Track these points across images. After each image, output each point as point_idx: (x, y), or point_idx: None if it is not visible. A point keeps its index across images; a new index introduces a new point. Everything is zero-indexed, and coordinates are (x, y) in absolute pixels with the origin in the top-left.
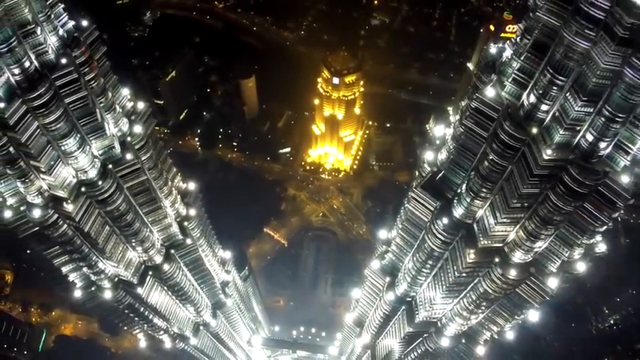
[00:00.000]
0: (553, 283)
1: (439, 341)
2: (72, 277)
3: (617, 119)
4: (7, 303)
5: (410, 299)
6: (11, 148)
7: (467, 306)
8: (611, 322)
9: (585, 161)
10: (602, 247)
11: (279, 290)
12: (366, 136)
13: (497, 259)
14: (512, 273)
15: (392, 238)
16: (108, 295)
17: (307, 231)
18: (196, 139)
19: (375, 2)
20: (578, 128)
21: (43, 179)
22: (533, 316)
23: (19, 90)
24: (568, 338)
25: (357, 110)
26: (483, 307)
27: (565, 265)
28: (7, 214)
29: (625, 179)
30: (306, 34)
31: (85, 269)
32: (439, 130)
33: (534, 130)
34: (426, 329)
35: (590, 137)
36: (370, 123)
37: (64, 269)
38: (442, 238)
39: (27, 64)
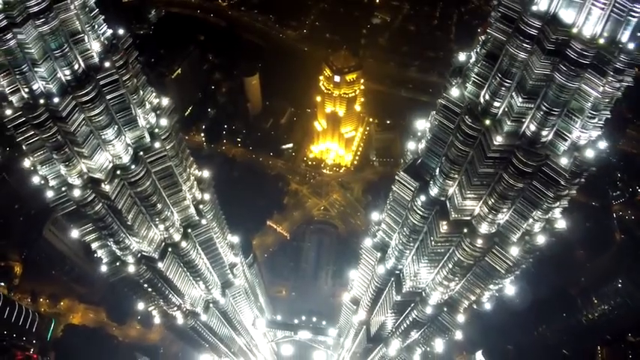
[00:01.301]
0: (515, 251)
1: (424, 309)
2: (100, 252)
3: (553, 112)
4: (17, 294)
5: (398, 272)
6: (59, 137)
7: (445, 275)
8: (601, 312)
9: (530, 146)
10: (562, 224)
11: (282, 281)
12: (366, 132)
13: (466, 230)
14: (479, 242)
15: (382, 219)
16: (131, 269)
17: (309, 224)
18: (201, 134)
19: (377, 1)
20: (522, 120)
21: (84, 163)
22: (510, 289)
23: (69, 88)
24: (560, 328)
25: (357, 107)
26: (459, 275)
27: (527, 237)
28: (50, 194)
29: (564, 161)
30: (308, 33)
31: (112, 245)
32: (420, 124)
33: (488, 122)
34: (413, 299)
35: (533, 127)
36: (371, 120)
37: (94, 245)
38: (421, 213)
39: (76, 66)
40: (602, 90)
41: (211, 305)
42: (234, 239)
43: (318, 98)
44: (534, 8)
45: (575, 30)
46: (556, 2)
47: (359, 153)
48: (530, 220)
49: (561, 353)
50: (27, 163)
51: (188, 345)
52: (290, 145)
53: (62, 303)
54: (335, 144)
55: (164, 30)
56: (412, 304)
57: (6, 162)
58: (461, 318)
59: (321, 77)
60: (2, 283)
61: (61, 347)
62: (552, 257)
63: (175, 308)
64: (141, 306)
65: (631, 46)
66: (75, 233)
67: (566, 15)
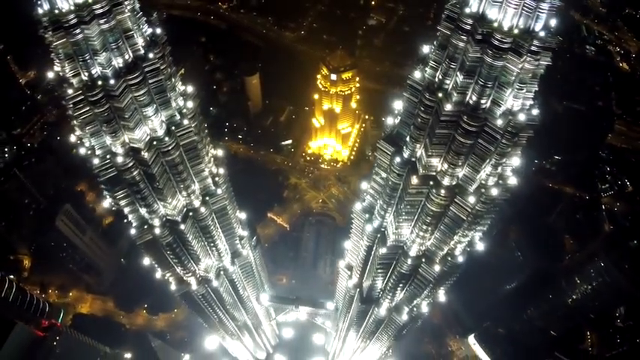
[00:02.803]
0: (472, 200)
1: (406, 261)
2: (130, 217)
3: (487, 85)
4: (27, 285)
5: (383, 229)
6: (110, 112)
7: (420, 226)
8: (583, 292)
9: (473, 112)
10: (513, 180)
11: (282, 270)
12: (362, 129)
13: (432, 183)
14: (443, 192)
15: (369, 186)
16: (157, 231)
17: (308, 216)
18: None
19: (373, 3)
20: (465, 92)
21: (127, 135)
22: (480, 245)
23: (121, 72)
24: (547, 310)
25: (353, 104)
26: (432, 226)
27: (482, 190)
28: (95, 161)
29: (499, 122)
30: (306, 34)
31: (142, 210)
32: (398, 105)
33: (440, 95)
34: (396, 252)
35: (474, 97)
36: (367, 117)
37: (126, 210)
38: (397, 172)
39: (127, 56)
40: (521, 67)
41: (222, 272)
42: (242, 215)
43: (316, 96)
44: (467, 10)
45: (496, 24)
46: (482, 5)
47: (355, 148)
48: (483, 174)
49: (549, 334)
50: (73, 138)
51: (197, 315)
52: (289, 142)
53: (71, 293)
54: (332, 140)
55: (166, 32)
56: (396, 258)
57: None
58: (437, 268)
59: (319, 76)
60: (12, 276)
61: None
62: (540, 245)
63: (190, 274)
64: (159, 274)
65: (542, 34)
66: (106, 203)
67: (490, 13)
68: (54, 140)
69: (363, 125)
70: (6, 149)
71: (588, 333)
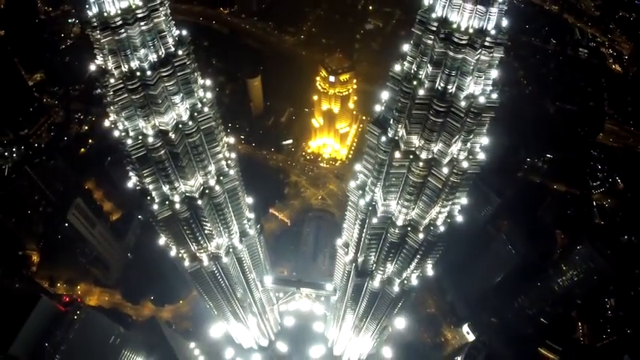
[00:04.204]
0: (445, 171)
1: (395, 230)
2: (154, 193)
3: (451, 74)
4: (36, 279)
5: (374, 203)
6: (144, 99)
7: (405, 197)
8: (569, 278)
9: (441, 96)
10: (481, 156)
11: (284, 262)
12: (360, 128)
13: (412, 157)
14: (421, 164)
15: (361, 166)
16: (177, 206)
17: (308, 212)
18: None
19: (370, 8)
20: (435, 80)
21: (157, 119)
22: (459, 218)
23: (156, 65)
24: (536, 298)
25: (350, 105)
26: (414, 196)
27: (454, 163)
28: (129, 141)
29: (463, 104)
30: (305, 38)
31: (164, 187)
32: (384, 95)
33: (415, 83)
34: (385, 222)
35: (442, 84)
36: (364, 117)
37: (151, 186)
38: (383, 149)
39: (160, 52)
40: (477, 59)
41: (231, 250)
42: (249, 200)
43: (315, 97)
44: (433, 15)
45: (455, 25)
46: (445, 10)
47: (353, 147)
48: (455, 149)
49: (540, 322)
50: (106, 123)
51: (205, 295)
52: (290, 141)
53: (79, 287)
54: (331, 139)
55: None
56: (385, 228)
57: (28, 155)
58: (421, 236)
59: (318, 78)
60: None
61: None
62: (532, 239)
63: (202, 251)
64: (173, 252)
65: (493, 32)
66: (131, 183)
67: (451, 17)
68: (61, 140)
69: (361, 125)
70: (14, 149)
71: (580, 324)
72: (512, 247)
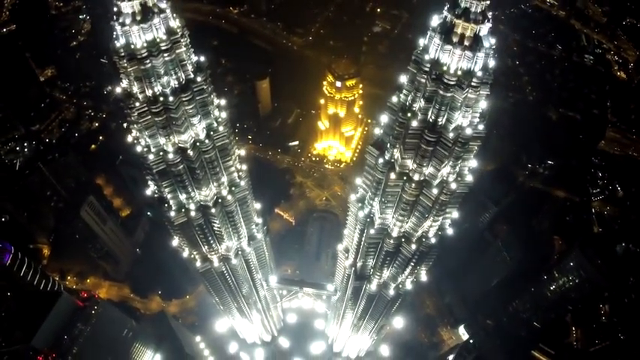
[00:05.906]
0: (435, 191)
1: (390, 241)
2: (172, 201)
3: (442, 109)
4: (46, 272)
5: (372, 215)
6: (166, 120)
7: (399, 212)
8: (561, 284)
9: (432, 127)
10: (469, 178)
11: (288, 261)
12: (365, 131)
13: (405, 178)
14: (413, 186)
15: (361, 181)
16: (192, 214)
17: (312, 212)
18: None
19: (378, 11)
20: (427, 113)
21: (177, 137)
22: (449, 231)
23: (177, 90)
24: (530, 302)
25: (356, 109)
26: (407, 212)
27: (444, 184)
28: (151, 157)
29: (451, 135)
30: (313, 40)
31: (181, 196)
32: (384, 118)
33: (409, 115)
34: (382, 233)
35: (433, 117)
36: (369, 121)
37: (169, 195)
38: (380, 170)
39: (181, 78)
40: (464, 97)
41: (239, 252)
42: (257, 206)
43: (322, 101)
44: (427, 57)
45: (445, 67)
46: (437, 53)
47: (358, 150)
48: (444, 172)
49: (533, 326)
50: (129, 138)
51: (213, 292)
52: (296, 143)
53: (88, 280)
54: (336, 142)
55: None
56: (382, 238)
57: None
58: (414, 247)
59: (325, 82)
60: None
61: None
62: (529, 245)
63: (213, 253)
64: (186, 253)
65: (479, 73)
66: (149, 191)
67: (442, 58)
68: (72, 137)
69: (366, 129)
70: (25, 144)
71: (573, 328)
72: (507, 253)
